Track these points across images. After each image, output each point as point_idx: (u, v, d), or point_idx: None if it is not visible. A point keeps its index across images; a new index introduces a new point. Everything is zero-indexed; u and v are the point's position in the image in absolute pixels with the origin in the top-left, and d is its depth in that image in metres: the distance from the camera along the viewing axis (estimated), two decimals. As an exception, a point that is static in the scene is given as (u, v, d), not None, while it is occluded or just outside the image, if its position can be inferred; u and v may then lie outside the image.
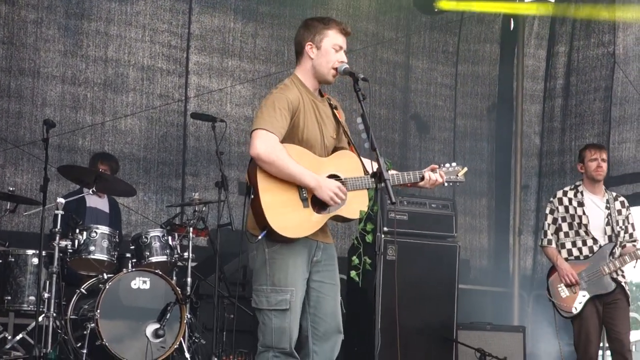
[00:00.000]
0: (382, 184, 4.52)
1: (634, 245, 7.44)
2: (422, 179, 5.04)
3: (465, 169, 5.22)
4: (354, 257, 7.57)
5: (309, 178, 4.74)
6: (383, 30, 10.92)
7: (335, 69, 4.92)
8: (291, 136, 4.82)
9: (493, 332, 8.79)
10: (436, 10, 10.86)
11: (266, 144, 4.65)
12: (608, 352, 9.65)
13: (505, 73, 11.41)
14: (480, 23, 11.39)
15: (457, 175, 5.18)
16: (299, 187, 4.76)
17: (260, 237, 4.75)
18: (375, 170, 4.58)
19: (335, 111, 5.04)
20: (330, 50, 4.93)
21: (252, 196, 4.73)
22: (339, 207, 4.84)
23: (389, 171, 4.87)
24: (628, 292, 7.39)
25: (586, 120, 10.73)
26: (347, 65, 4.92)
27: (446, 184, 5.15)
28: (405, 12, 11.05)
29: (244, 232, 4.87)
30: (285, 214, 4.72)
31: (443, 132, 11.33)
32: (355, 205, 4.87)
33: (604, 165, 7.51)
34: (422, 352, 8.16)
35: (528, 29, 11.34)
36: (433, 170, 5.08)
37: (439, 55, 11.28)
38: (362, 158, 4.91)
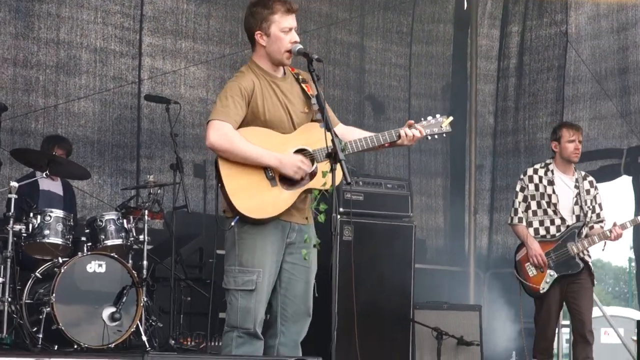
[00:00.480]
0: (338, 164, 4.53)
1: (602, 227, 7.40)
2: (399, 137, 4.99)
3: (451, 118, 5.11)
4: (306, 236, 7.55)
5: (268, 157, 4.75)
6: (337, 11, 10.90)
7: (289, 51, 4.90)
8: (254, 120, 4.84)
9: (449, 311, 8.85)
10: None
11: (217, 133, 4.70)
12: (564, 330, 9.79)
13: (459, 53, 11.45)
14: (433, 3, 11.41)
15: (442, 127, 5.07)
16: (265, 167, 4.76)
17: (232, 224, 4.76)
18: (330, 150, 4.58)
19: (304, 85, 5.01)
20: (279, 35, 4.89)
21: (220, 184, 4.75)
22: (309, 182, 4.83)
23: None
24: (593, 272, 7.39)
25: (539, 100, 10.80)
26: (301, 46, 4.89)
27: (429, 138, 5.09)
28: (359, -8, 11.05)
29: (217, 218, 4.88)
30: (253, 196, 4.74)
31: (398, 112, 11.34)
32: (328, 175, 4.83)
33: (580, 146, 7.45)
34: (379, 332, 8.20)
35: (481, 8, 11.38)
36: (410, 126, 5.03)
37: (393, 36, 11.28)
38: (346, 127, 4.89)
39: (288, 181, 4.79)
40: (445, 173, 11.45)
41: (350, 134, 5.02)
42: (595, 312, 9.78)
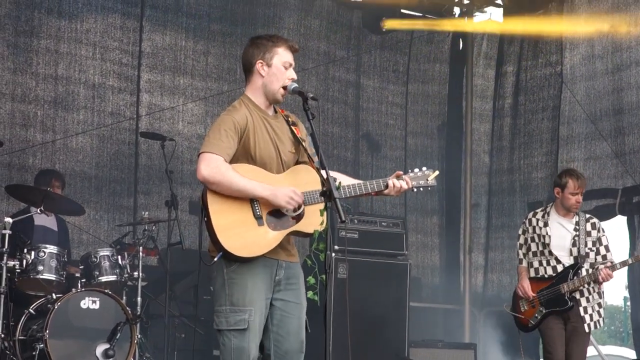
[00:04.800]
0: (332, 203, 4.54)
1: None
2: (387, 187, 4.99)
3: (437, 172, 5.14)
4: (310, 278, 7.54)
5: (261, 189, 4.73)
6: (334, 49, 10.98)
7: (285, 87, 4.93)
8: (244, 155, 4.82)
9: (444, 350, 8.84)
10: (383, 29, 10.98)
11: (210, 166, 4.66)
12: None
13: (454, 92, 11.52)
14: (429, 43, 11.49)
15: (427, 180, 5.10)
16: (252, 206, 4.74)
17: (215, 259, 4.74)
18: (324, 188, 4.59)
19: (293, 127, 5.04)
20: (280, 68, 4.92)
21: (206, 219, 4.73)
22: (296, 223, 4.83)
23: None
24: (585, 316, 7.28)
25: (534, 140, 10.84)
26: (296, 85, 4.91)
27: (415, 190, 5.10)
28: (356, 31, 11.14)
29: (200, 254, 4.84)
30: (239, 234, 4.71)
31: (394, 150, 11.39)
32: (314, 219, 4.78)
33: (581, 197, 7.43)
34: (373, 370, 8.18)
35: (477, 49, 11.47)
36: (398, 177, 5.02)
37: (390, 74, 11.36)
38: (332, 172, 4.86)
39: (275, 221, 4.79)
40: (441, 211, 11.48)
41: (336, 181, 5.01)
42: (591, 351, 9.78)
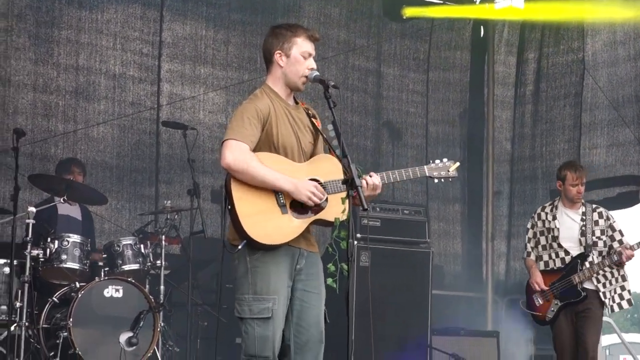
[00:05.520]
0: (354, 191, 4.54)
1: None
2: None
3: (458, 163, 5.20)
4: (330, 265, 7.56)
5: (284, 181, 4.74)
6: (354, 38, 10.94)
7: (306, 76, 4.93)
8: (266, 144, 4.83)
9: (467, 337, 8.83)
10: (404, 17, 10.93)
11: (235, 153, 4.68)
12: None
13: (476, 79, 11.46)
14: (450, 30, 11.43)
15: (449, 171, 5.16)
16: (276, 194, 4.76)
17: (240, 247, 4.74)
18: (347, 177, 4.59)
19: (313, 120, 5.04)
20: (299, 58, 4.93)
21: (229, 207, 4.73)
22: (319, 212, 4.83)
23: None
24: (605, 300, 7.44)
25: (556, 127, 10.80)
26: (317, 73, 4.92)
27: (436, 180, 5.15)
28: (376, 19, 11.09)
29: (224, 242, 4.86)
30: (263, 222, 4.72)
31: (416, 138, 11.36)
32: (337, 207, 4.79)
33: (583, 187, 7.62)
34: (396, 358, 8.18)
35: (498, 36, 11.41)
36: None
37: (410, 62, 11.31)
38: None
39: (298, 209, 4.79)
40: (463, 199, 11.44)
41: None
42: (614, 339, 9.76)
